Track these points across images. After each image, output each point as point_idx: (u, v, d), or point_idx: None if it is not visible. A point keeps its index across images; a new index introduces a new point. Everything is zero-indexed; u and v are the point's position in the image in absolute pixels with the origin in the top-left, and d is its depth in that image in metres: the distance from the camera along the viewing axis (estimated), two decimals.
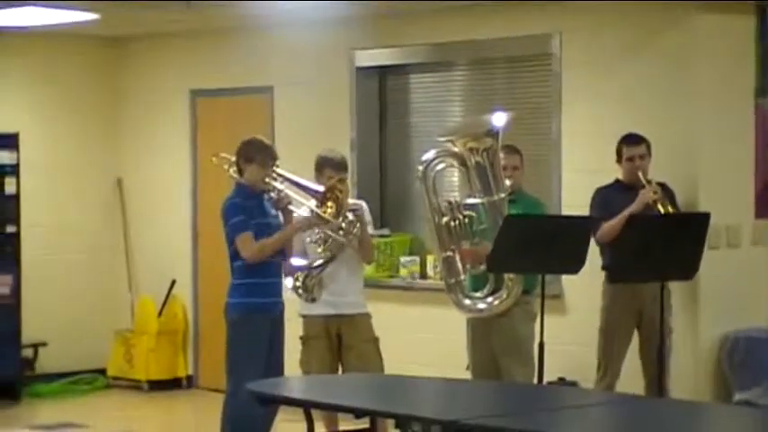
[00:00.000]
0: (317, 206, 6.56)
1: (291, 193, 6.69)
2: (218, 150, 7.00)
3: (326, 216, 6.55)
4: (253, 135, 6.82)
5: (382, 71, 8.98)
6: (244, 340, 6.59)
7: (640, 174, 7.02)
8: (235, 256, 6.63)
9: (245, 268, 6.60)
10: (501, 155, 6.75)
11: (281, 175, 6.71)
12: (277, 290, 6.68)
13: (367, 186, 8.80)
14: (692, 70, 7.44)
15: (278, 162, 6.71)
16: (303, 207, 6.67)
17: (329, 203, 6.56)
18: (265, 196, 6.67)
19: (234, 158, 6.75)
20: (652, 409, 5.33)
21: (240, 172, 6.71)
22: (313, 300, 6.73)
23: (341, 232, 6.70)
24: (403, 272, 8.60)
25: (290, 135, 9.16)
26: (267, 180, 6.62)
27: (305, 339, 6.91)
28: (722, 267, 7.42)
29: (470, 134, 6.73)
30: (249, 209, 6.58)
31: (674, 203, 7.03)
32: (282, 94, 9.28)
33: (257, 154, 6.65)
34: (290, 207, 6.65)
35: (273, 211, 6.69)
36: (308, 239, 6.79)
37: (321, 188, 6.63)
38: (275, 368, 6.63)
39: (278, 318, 6.69)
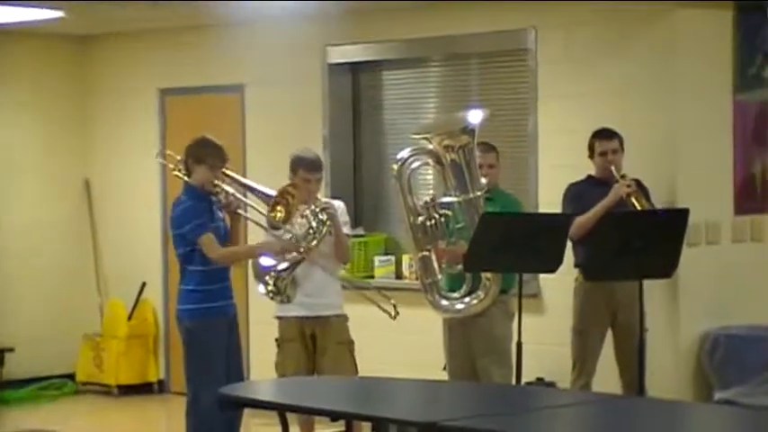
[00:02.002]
0: (269, 210, 6.51)
1: (241, 196, 6.64)
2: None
3: (276, 221, 6.50)
4: (203, 134, 6.75)
5: (355, 68, 8.99)
6: (203, 346, 6.56)
7: (613, 168, 7.06)
8: (189, 260, 6.57)
9: (199, 274, 6.55)
10: (477, 152, 6.76)
11: (230, 177, 6.66)
12: (229, 293, 6.66)
13: (340, 185, 8.80)
14: (670, 66, 7.48)
15: (228, 164, 6.65)
16: (252, 211, 6.62)
17: (278, 207, 6.50)
18: (213, 199, 6.63)
19: (181, 157, 6.70)
20: (632, 408, 5.35)
21: (189, 172, 6.65)
22: (288, 300, 6.71)
23: (311, 231, 6.67)
24: (378, 272, 8.61)
25: (262, 134, 9.17)
26: (216, 182, 6.58)
27: (280, 342, 6.91)
28: (702, 265, 7.46)
29: (446, 131, 6.74)
30: (201, 211, 6.54)
31: (648, 200, 7.07)
32: (254, 92, 9.27)
33: (208, 154, 6.58)
34: (239, 211, 6.61)
35: (220, 215, 6.65)
36: (285, 238, 6.77)
37: (272, 192, 6.57)
38: (235, 372, 6.62)
39: (233, 320, 6.68)
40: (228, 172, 6.65)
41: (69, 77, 10.25)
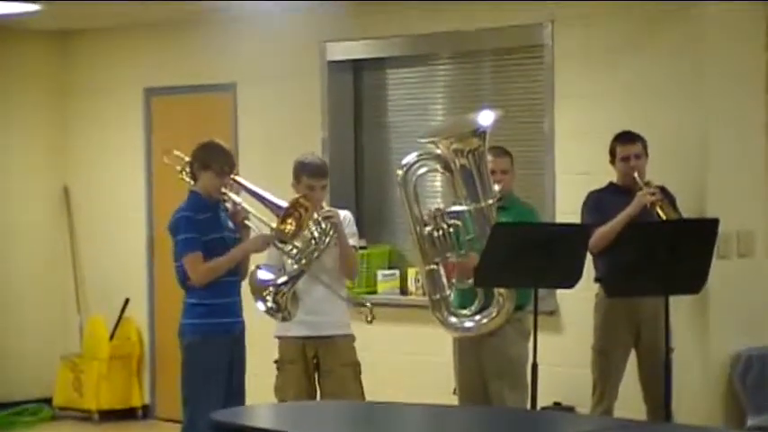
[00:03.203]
0: (279, 223, 6.56)
1: (249, 207, 6.68)
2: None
3: (284, 235, 6.54)
4: (211, 138, 6.82)
5: (357, 65, 9.01)
6: (201, 365, 6.59)
7: (636, 175, 7.09)
8: (184, 274, 6.64)
9: (203, 287, 6.61)
10: (489, 157, 6.78)
11: (240, 185, 6.71)
12: (236, 309, 6.69)
13: (341, 193, 8.83)
14: (697, 63, 7.51)
15: (236, 170, 6.70)
16: (263, 227, 6.65)
17: (289, 220, 6.56)
18: (221, 207, 6.67)
19: (187, 159, 6.75)
20: None
21: (194, 178, 6.71)
22: (289, 316, 6.72)
23: (313, 242, 6.70)
24: (381, 287, 8.64)
25: (255, 137, 9.20)
26: (224, 190, 6.62)
27: (280, 363, 6.91)
28: (733, 279, 7.48)
29: (455, 134, 6.76)
30: (200, 223, 6.57)
31: (675, 209, 7.09)
32: (246, 91, 9.30)
33: (215, 160, 6.64)
34: (247, 223, 6.65)
35: (230, 224, 6.69)
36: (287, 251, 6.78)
37: (283, 203, 6.62)
38: (236, 395, 6.64)
39: (238, 337, 6.70)
40: (238, 179, 6.69)
41: (47, 76, 10.28)
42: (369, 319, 6.73)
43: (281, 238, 6.59)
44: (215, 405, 6.24)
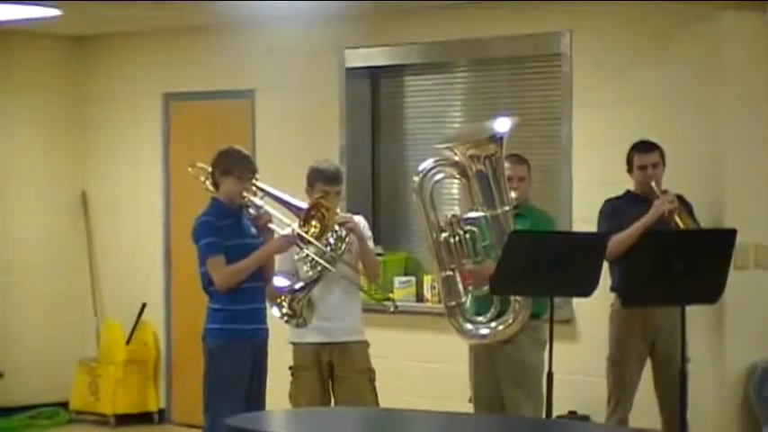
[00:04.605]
0: (300, 225, 6.57)
1: (272, 210, 6.69)
2: (194, 160, 6.99)
3: (309, 237, 6.56)
4: (230, 144, 6.83)
5: (375, 72, 9.01)
6: (223, 370, 6.59)
7: (653, 183, 7.06)
8: (208, 279, 6.64)
9: (222, 293, 6.61)
10: (506, 164, 6.77)
11: (261, 190, 6.72)
12: (260, 316, 6.68)
13: (358, 199, 8.82)
14: (716, 72, 7.48)
15: (257, 176, 6.72)
16: (286, 228, 6.67)
17: (313, 222, 6.57)
18: (244, 213, 6.68)
19: (210, 169, 6.77)
20: None
21: (216, 185, 6.72)
22: (304, 323, 6.72)
23: (328, 249, 6.70)
24: (398, 294, 8.62)
25: (273, 143, 9.20)
26: (245, 195, 6.63)
27: (294, 370, 6.90)
28: (750, 290, 7.45)
29: (471, 141, 6.75)
30: (223, 229, 6.57)
31: (692, 218, 7.06)
32: (264, 97, 9.31)
33: (235, 166, 6.65)
34: (271, 226, 6.66)
35: (253, 231, 6.69)
36: (296, 257, 6.79)
37: (304, 205, 6.63)
38: (257, 401, 6.63)
39: (260, 346, 6.69)
40: (259, 184, 6.70)
41: (66, 81, 10.30)
42: (392, 309, 6.70)
43: (305, 239, 6.59)
44: (235, 411, 6.23)
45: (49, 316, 10.17)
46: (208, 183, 6.78)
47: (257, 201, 6.66)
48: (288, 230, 6.64)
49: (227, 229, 6.60)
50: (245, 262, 6.56)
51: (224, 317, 6.60)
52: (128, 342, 9.90)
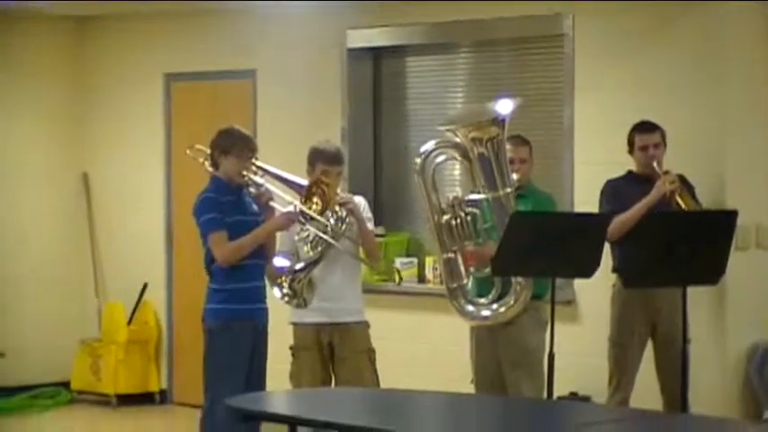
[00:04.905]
0: (302, 202, 6.60)
1: (273, 188, 6.71)
2: (195, 141, 7.01)
3: (311, 213, 6.59)
4: (230, 124, 6.85)
5: (377, 53, 9.01)
6: (223, 351, 6.61)
7: (655, 164, 7.07)
8: (211, 258, 6.66)
9: (224, 272, 6.62)
10: (507, 146, 6.77)
11: (261, 168, 6.73)
12: (260, 295, 6.70)
13: (360, 181, 8.83)
14: (718, 54, 7.48)
15: (257, 154, 6.74)
16: (288, 206, 6.68)
17: (314, 199, 6.60)
18: (245, 191, 6.70)
19: (209, 150, 6.78)
20: (673, 426, 5.37)
21: (216, 165, 6.73)
22: (305, 303, 6.74)
23: (329, 230, 6.72)
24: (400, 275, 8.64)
25: (275, 124, 9.20)
26: (245, 173, 6.65)
27: (295, 350, 6.93)
28: (751, 270, 7.46)
29: (473, 123, 6.75)
30: (224, 205, 6.60)
31: (694, 198, 7.07)
32: (266, 78, 9.30)
33: (235, 145, 6.68)
34: (272, 203, 6.68)
35: (254, 208, 6.71)
36: (296, 237, 6.81)
37: (305, 182, 6.66)
38: (257, 381, 6.66)
39: (261, 326, 6.71)
40: (259, 163, 6.71)
41: (67, 63, 10.29)
42: (398, 281, 6.69)
43: (306, 215, 6.61)
44: (236, 391, 6.26)
45: (50, 296, 10.19)
46: (207, 164, 6.79)
47: (258, 179, 6.67)
48: (289, 208, 6.66)
49: (228, 206, 6.62)
50: (247, 238, 6.58)
51: (224, 297, 6.62)
52: (129, 322, 9.92)
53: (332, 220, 6.73)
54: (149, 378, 9.93)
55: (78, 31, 10.26)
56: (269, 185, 6.73)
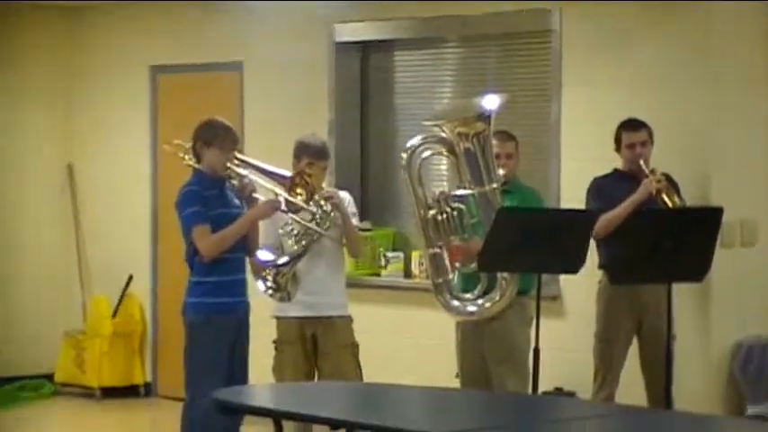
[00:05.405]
0: (286, 191, 6.59)
1: (258, 179, 6.70)
2: (182, 134, 6.99)
3: (298, 201, 6.58)
4: (211, 116, 6.82)
5: (365, 47, 9.01)
6: (204, 344, 6.61)
7: (642, 162, 7.08)
8: (193, 251, 6.65)
9: (205, 265, 6.61)
10: (494, 141, 6.79)
11: (243, 161, 6.72)
12: (241, 288, 6.70)
13: (346, 175, 8.83)
14: (705, 52, 7.50)
15: (239, 146, 6.73)
16: (280, 198, 6.68)
17: (298, 189, 6.61)
18: (227, 184, 6.69)
19: (189, 144, 6.75)
20: (658, 422, 5.38)
21: (198, 157, 6.72)
22: (288, 297, 6.74)
23: (314, 224, 6.72)
24: (386, 270, 8.64)
25: (262, 117, 9.19)
26: (228, 165, 6.64)
27: (278, 344, 6.93)
28: (736, 268, 7.48)
29: (459, 118, 6.76)
30: (207, 198, 6.59)
31: (679, 196, 7.09)
32: (253, 70, 9.30)
33: (216, 136, 6.66)
34: (255, 195, 6.67)
35: (237, 202, 6.71)
36: (281, 231, 6.81)
37: (288, 173, 6.65)
38: (238, 375, 6.65)
39: (242, 319, 6.71)
40: (241, 156, 6.71)
41: (53, 53, 10.27)
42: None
43: (291, 207, 6.60)
44: (217, 385, 6.25)
45: (35, 289, 10.17)
46: (187, 158, 6.77)
47: (241, 170, 6.66)
48: (271, 197, 6.66)
49: (211, 199, 6.61)
50: (230, 229, 6.57)
51: (204, 290, 6.61)
52: (114, 315, 9.91)
53: (317, 214, 6.73)
54: (134, 371, 9.93)
55: (64, 22, 10.24)
56: (252, 176, 6.71)
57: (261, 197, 6.67)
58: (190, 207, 6.58)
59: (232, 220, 6.60)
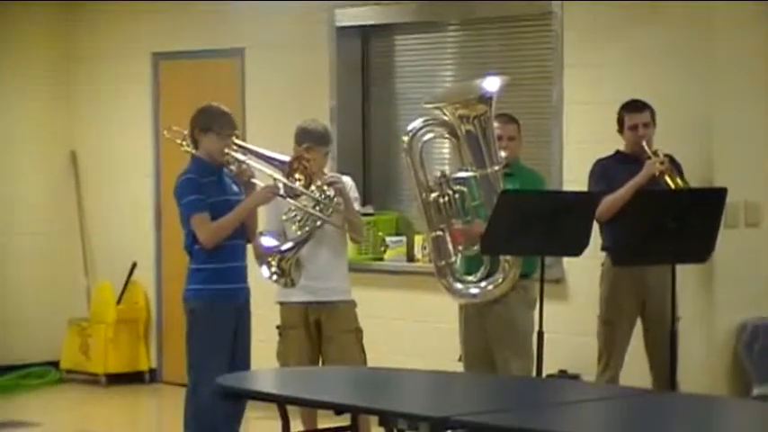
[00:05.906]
0: (285, 175, 6.57)
1: (255, 164, 6.67)
2: (183, 120, 6.96)
3: (298, 186, 6.56)
4: (209, 102, 6.79)
5: (365, 31, 8.98)
6: (205, 331, 6.59)
7: (645, 143, 7.05)
8: (192, 238, 6.62)
9: (204, 252, 6.58)
10: (495, 124, 6.76)
11: (241, 147, 6.69)
12: (241, 275, 6.67)
13: (348, 160, 8.81)
14: (707, 33, 7.47)
15: (237, 132, 6.70)
16: (280, 183, 6.65)
17: (297, 174, 6.58)
18: (225, 171, 6.65)
19: (187, 131, 6.72)
20: (662, 403, 5.36)
21: (196, 144, 6.68)
22: (292, 283, 6.72)
23: (317, 208, 6.70)
24: (389, 254, 8.62)
25: (263, 102, 9.17)
26: (226, 151, 6.61)
27: (282, 329, 6.92)
28: (740, 249, 7.46)
29: (460, 100, 6.74)
30: (205, 186, 6.56)
31: (682, 178, 7.06)
32: (254, 56, 9.27)
33: (214, 122, 6.62)
34: (254, 180, 6.64)
35: (235, 188, 6.68)
36: (284, 217, 6.78)
37: (286, 158, 6.62)
38: (240, 361, 6.63)
39: (243, 305, 6.68)
40: (239, 141, 6.68)
41: (55, 41, 10.25)
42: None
43: (290, 192, 6.58)
44: (219, 371, 6.24)
45: (39, 276, 10.17)
46: (185, 144, 6.74)
47: (239, 156, 6.63)
48: (270, 182, 6.63)
49: (209, 187, 6.58)
50: (229, 216, 6.54)
51: (205, 277, 6.59)
52: (118, 302, 9.91)
53: (320, 199, 6.70)
54: (139, 357, 9.93)
55: (66, 9, 10.22)
56: (250, 162, 6.68)
57: (259, 183, 6.64)
58: (188, 195, 6.55)
59: (231, 208, 6.57)
